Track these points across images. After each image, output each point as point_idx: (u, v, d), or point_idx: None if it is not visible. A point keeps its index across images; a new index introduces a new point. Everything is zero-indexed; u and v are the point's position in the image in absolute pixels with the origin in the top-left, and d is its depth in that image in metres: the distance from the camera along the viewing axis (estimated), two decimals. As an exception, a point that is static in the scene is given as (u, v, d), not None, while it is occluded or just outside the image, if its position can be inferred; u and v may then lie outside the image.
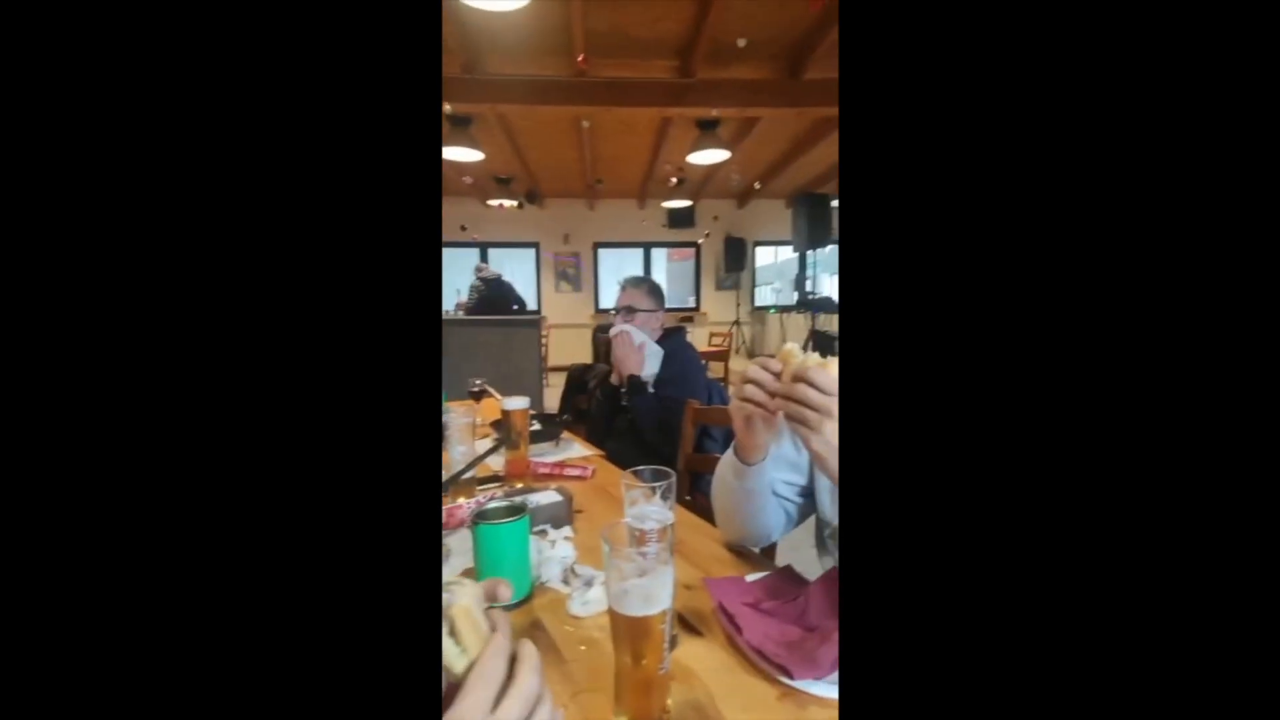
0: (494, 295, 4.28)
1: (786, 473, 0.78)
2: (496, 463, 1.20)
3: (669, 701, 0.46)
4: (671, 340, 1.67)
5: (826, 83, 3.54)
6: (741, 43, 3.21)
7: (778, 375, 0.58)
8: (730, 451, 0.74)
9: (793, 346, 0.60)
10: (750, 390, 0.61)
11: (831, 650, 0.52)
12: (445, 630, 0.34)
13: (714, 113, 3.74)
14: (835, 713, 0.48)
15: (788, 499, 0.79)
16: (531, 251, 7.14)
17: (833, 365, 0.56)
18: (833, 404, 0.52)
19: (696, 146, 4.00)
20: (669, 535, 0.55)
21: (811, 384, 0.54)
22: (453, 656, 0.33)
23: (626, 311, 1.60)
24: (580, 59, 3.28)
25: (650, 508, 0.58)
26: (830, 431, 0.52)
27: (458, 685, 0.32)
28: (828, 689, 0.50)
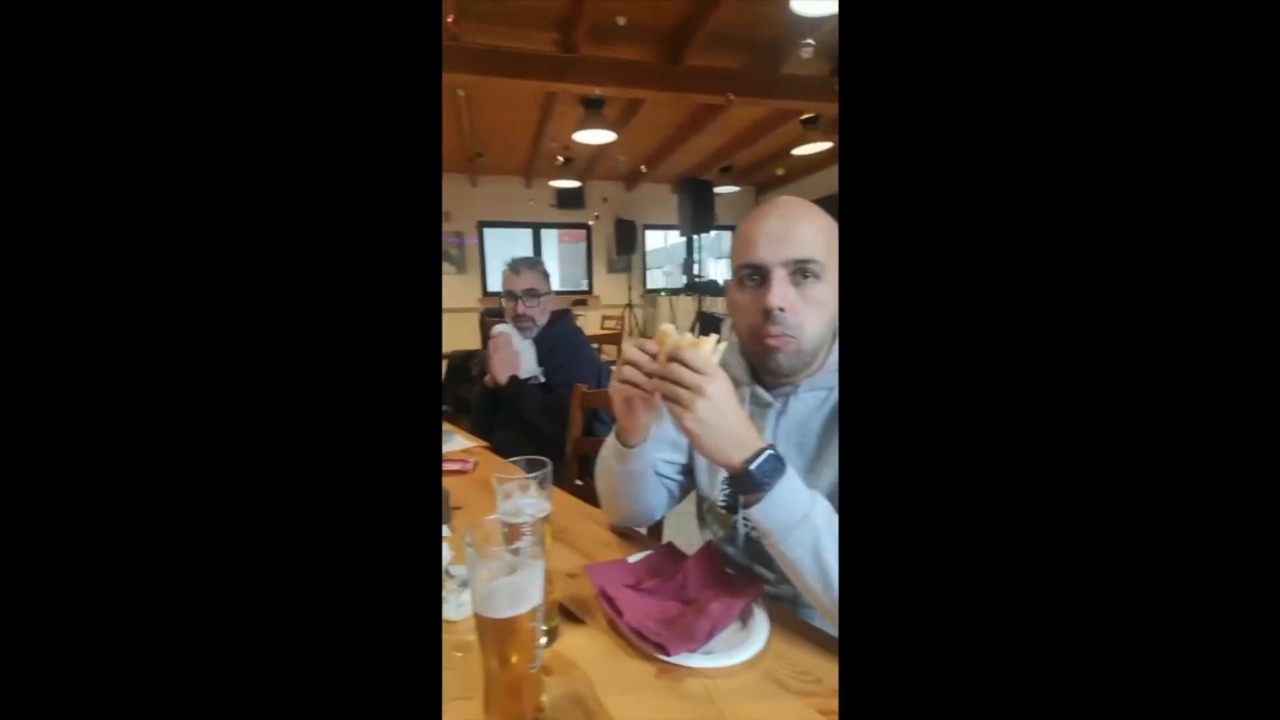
0: None
1: (668, 452, 0.79)
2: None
3: (543, 699, 0.44)
4: (560, 325, 1.63)
5: (708, 70, 3.63)
6: (621, 20, 3.18)
7: (655, 356, 0.58)
8: (611, 435, 0.73)
9: (669, 327, 0.60)
10: (628, 372, 0.60)
11: (706, 622, 0.54)
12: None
13: (597, 91, 3.68)
14: (710, 682, 0.50)
15: (669, 478, 0.80)
16: (409, 231, 6.60)
17: (705, 343, 0.56)
18: (704, 381, 0.53)
19: (582, 125, 3.92)
20: (543, 527, 0.53)
21: (684, 363, 0.54)
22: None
23: (524, 296, 1.53)
24: (450, 19, 3.05)
25: (525, 500, 0.56)
26: (702, 409, 0.53)
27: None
28: (702, 660, 0.52)
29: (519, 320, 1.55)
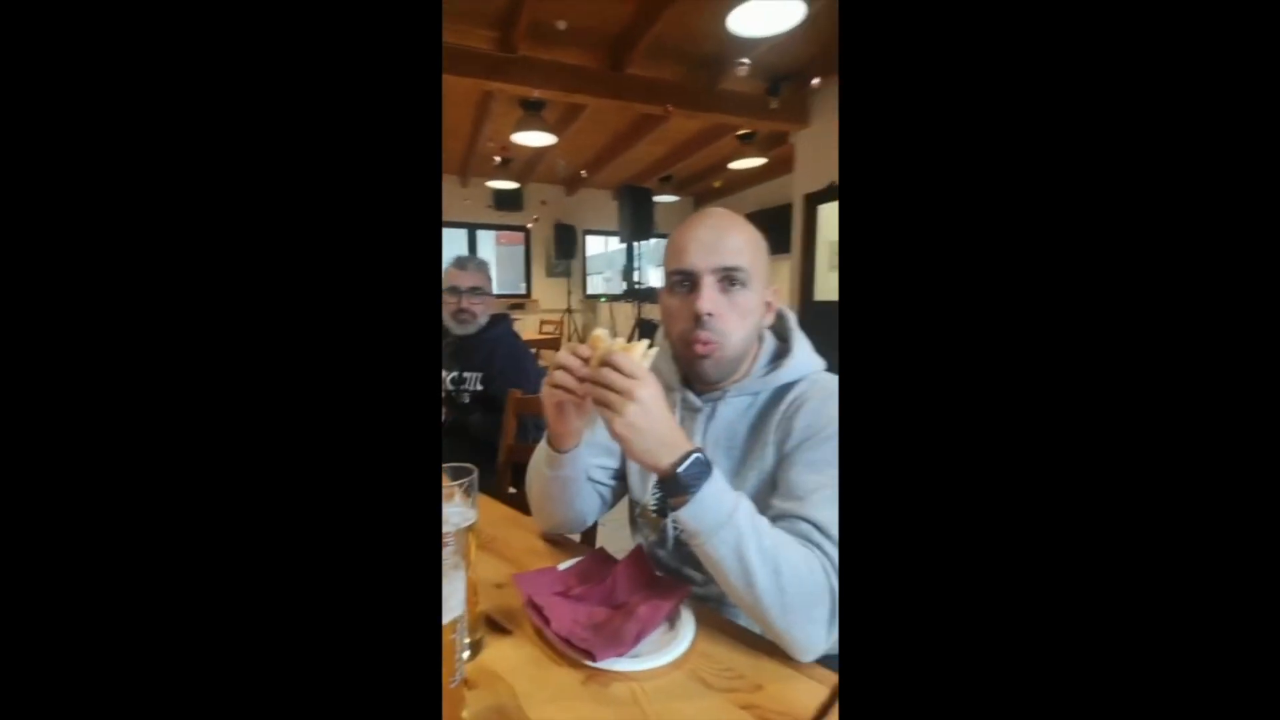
0: None
1: (601, 457, 0.79)
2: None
3: (464, 714, 0.43)
4: (499, 328, 1.61)
5: (648, 80, 3.69)
6: (561, 25, 3.17)
7: (587, 361, 0.58)
8: (543, 440, 0.72)
9: (601, 332, 0.60)
10: (560, 376, 0.60)
11: (634, 625, 0.54)
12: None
13: (536, 93, 3.64)
14: (637, 685, 0.50)
15: (602, 483, 0.80)
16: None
17: (636, 348, 0.57)
18: (634, 385, 0.54)
19: (521, 127, 3.87)
20: (466, 537, 0.52)
21: (615, 367, 0.55)
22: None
23: (469, 293, 1.52)
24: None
25: (450, 508, 0.54)
26: (632, 413, 0.53)
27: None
28: (629, 664, 0.52)
29: (460, 314, 1.53)
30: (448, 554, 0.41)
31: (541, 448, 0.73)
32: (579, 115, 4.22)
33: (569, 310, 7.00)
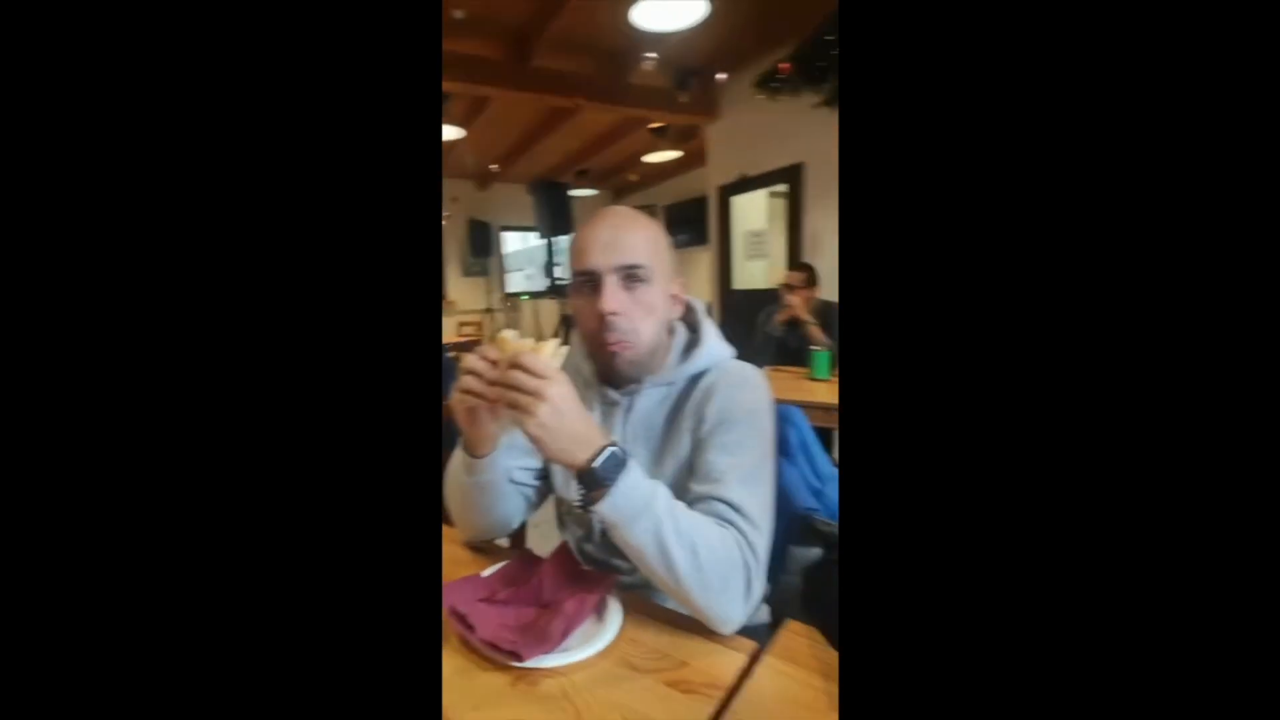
0: None
1: (521, 459, 0.78)
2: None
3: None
4: None
5: (556, 73, 3.63)
6: (459, 14, 3.05)
7: (495, 363, 0.57)
8: (458, 447, 0.71)
9: (508, 334, 0.59)
10: (468, 381, 0.59)
11: (561, 621, 0.55)
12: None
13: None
14: (566, 679, 0.51)
15: (525, 484, 0.79)
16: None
17: (545, 347, 0.57)
18: (544, 385, 0.54)
19: (425, 120, 3.69)
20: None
21: (524, 368, 0.54)
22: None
23: None
24: None
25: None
26: (543, 413, 0.53)
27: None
28: (557, 658, 0.52)
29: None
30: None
31: (457, 455, 0.71)
32: (485, 108, 4.09)
33: (489, 310, 6.80)
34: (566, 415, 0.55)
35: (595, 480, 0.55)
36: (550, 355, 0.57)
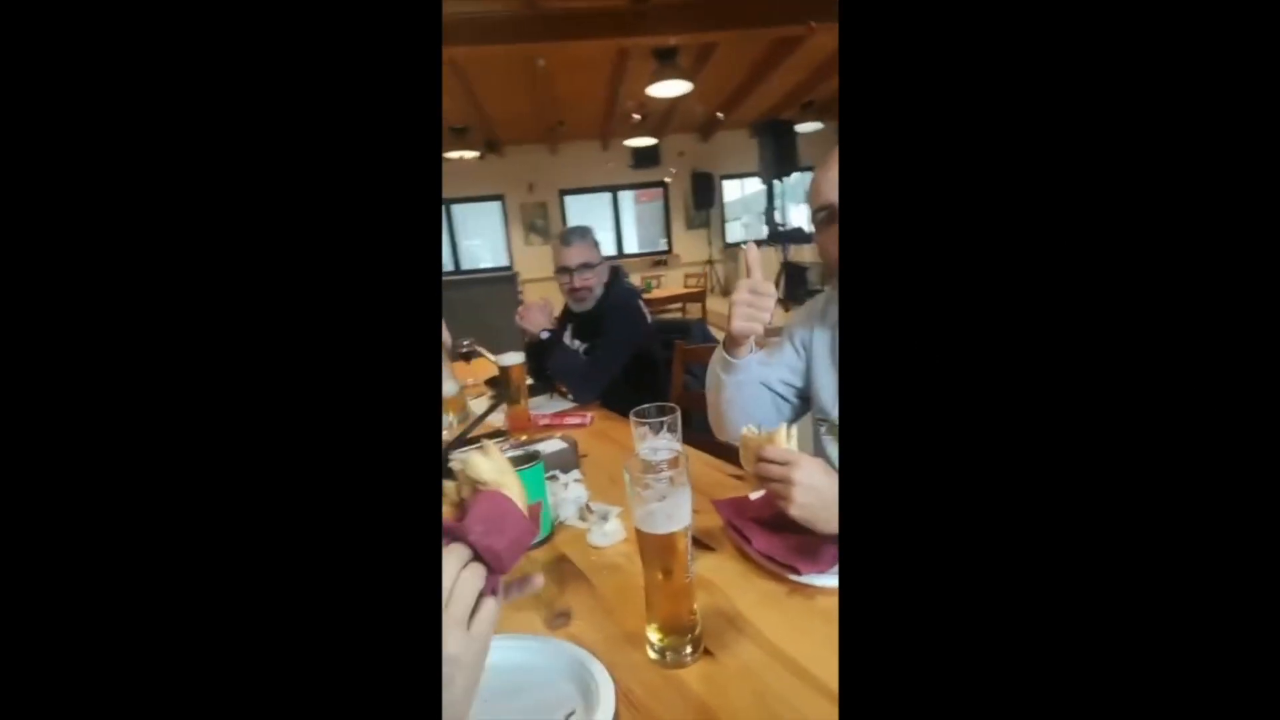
0: None
1: (785, 373, 0.84)
2: (497, 419, 1.23)
3: (695, 605, 0.52)
4: (612, 296, 1.52)
5: (784, 1, 3.39)
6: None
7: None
8: (719, 348, 0.79)
9: (749, 431, 0.63)
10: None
11: (831, 548, 0.58)
12: (475, 458, 0.40)
13: (671, 41, 3.57)
14: (837, 600, 0.55)
15: (783, 396, 0.85)
16: (497, 205, 6.90)
17: (779, 436, 0.61)
18: (789, 471, 0.57)
19: (656, 78, 3.84)
20: (682, 463, 0.60)
21: (766, 460, 0.59)
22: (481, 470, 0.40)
23: (579, 270, 1.46)
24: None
25: (660, 441, 0.63)
26: (798, 495, 0.57)
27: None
28: (830, 580, 0.56)
29: (575, 294, 1.49)
30: (675, 474, 0.49)
31: (718, 353, 0.80)
32: (712, 54, 4.05)
33: (710, 262, 6.95)
34: (819, 489, 0.57)
35: None
36: (784, 441, 0.60)
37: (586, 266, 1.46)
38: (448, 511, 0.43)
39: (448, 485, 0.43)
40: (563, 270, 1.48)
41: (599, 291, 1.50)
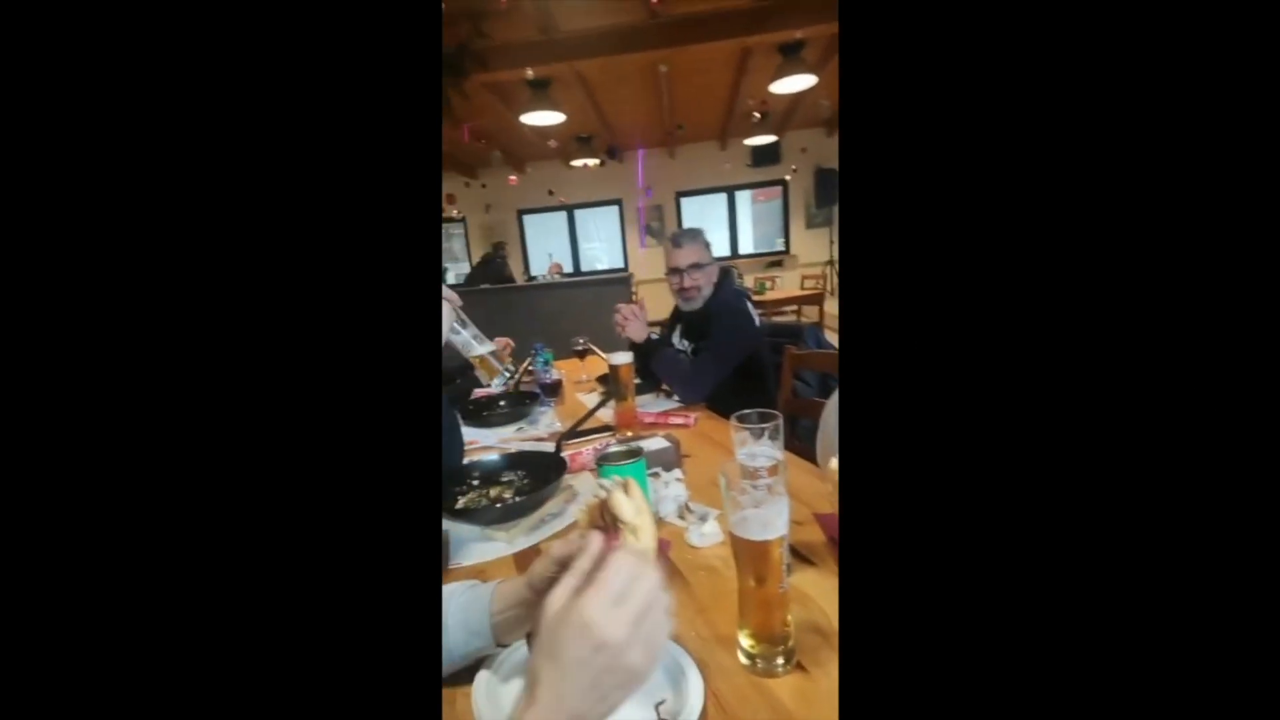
0: (488, 273, 5.11)
1: None
2: (605, 414, 1.29)
3: (789, 617, 0.51)
4: (719, 297, 1.51)
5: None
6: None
7: None
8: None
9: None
10: None
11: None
12: (620, 491, 0.41)
13: (798, 34, 3.44)
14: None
15: None
16: (615, 209, 7.17)
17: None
18: None
19: (779, 74, 3.73)
20: (780, 471, 0.59)
21: None
22: (628, 512, 0.41)
23: (689, 271, 1.47)
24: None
25: (759, 447, 0.62)
26: None
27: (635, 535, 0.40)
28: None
29: (684, 293, 1.50)
30: (773, 483, 0.49)
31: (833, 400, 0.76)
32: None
33: (830, 262, 6.60)
34: None
35: None
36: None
37: (696, 267, 1.49)
38: (585, 522, 0.44)
39: (591, 501, 0.44)
40: (673, 270, 1.52)
41: (707, 292, 1.51)
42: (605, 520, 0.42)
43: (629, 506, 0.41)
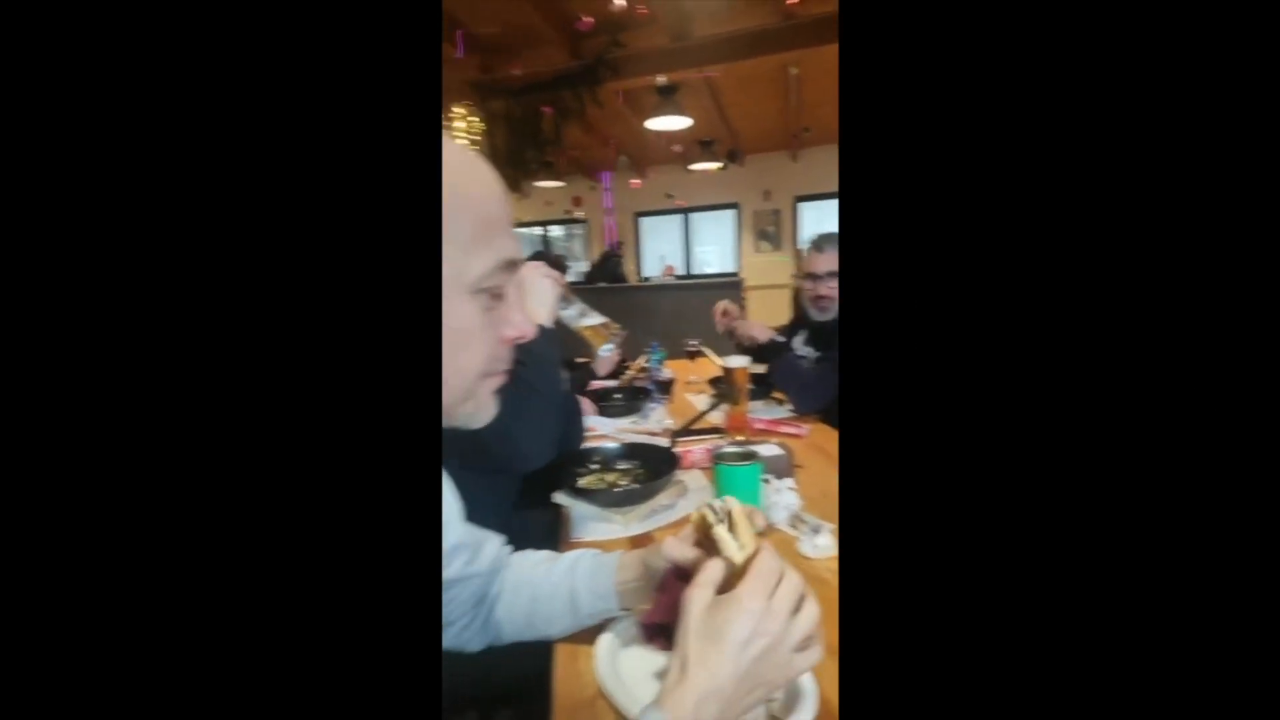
0: (604, 270, 5.23)
1: None
2: (713, 417, 1.31)
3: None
4: None
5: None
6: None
7: None
8: None
9: None
10: None
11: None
12: (725, 525, 0.42)
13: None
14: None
15: None
16: (731, 213, 7.11)
17: None
18: None
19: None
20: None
21: None
22: (732, 549, 0.42)
23: (827, 277, 1.42)
24: (792, 0, 3.10)
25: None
26: None
27: (735, 573, 0.40)
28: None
29: (819, 302, 1.44)
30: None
31: None
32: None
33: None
34: None
35: None
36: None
37: (835, 275, 1.41)
38: (696, 526, 0.45)
39: (696, 516, 0.45)
40: (810, 276, 1.45)
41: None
42: (702, 537, 0.44)
43: (732, 546, 0.42)
